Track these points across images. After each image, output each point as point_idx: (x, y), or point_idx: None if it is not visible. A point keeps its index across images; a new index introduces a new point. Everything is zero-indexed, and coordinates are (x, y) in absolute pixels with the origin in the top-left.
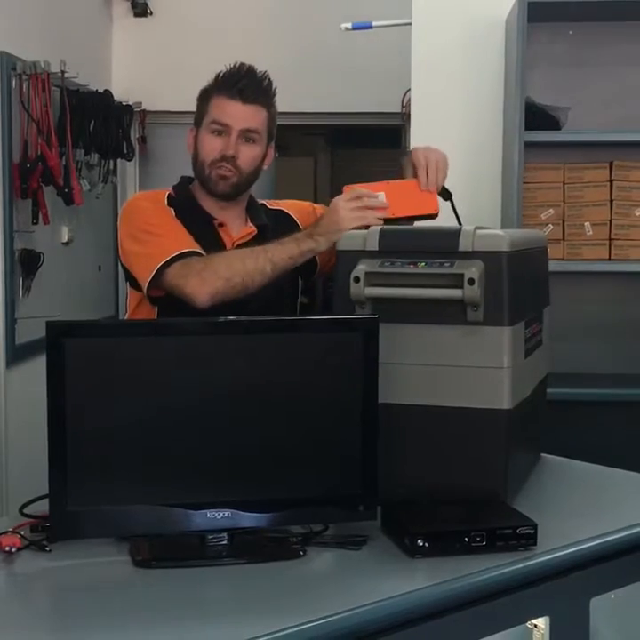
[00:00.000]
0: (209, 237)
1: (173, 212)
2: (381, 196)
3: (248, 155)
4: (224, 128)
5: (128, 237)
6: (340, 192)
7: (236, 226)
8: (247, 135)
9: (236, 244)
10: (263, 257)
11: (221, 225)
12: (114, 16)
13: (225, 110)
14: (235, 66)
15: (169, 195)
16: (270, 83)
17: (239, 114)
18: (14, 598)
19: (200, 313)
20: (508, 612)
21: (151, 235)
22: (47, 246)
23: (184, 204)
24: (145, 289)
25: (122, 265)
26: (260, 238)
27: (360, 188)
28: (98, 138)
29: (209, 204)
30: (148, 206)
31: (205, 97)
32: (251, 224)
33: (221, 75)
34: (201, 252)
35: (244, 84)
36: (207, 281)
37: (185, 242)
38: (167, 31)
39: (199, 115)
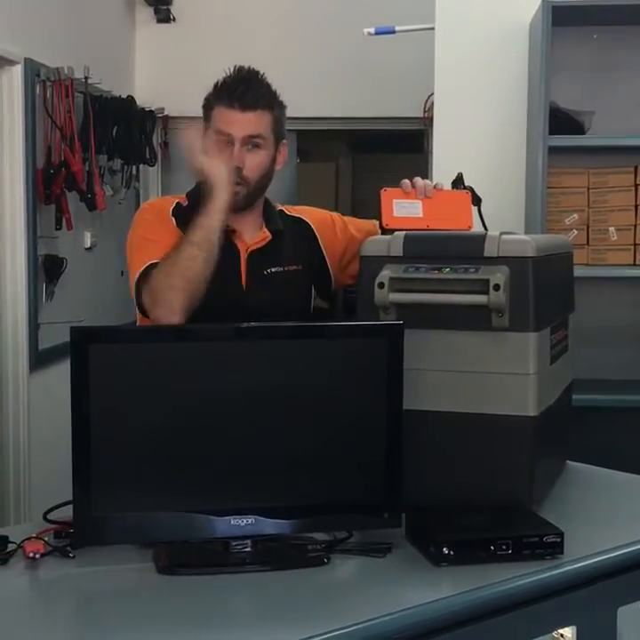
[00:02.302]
0: (222, 245)
1: (174, 221)
2: (418, 205)
3: (254, 162)
4: (227, 137)
5: (128, 248)
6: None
7: (249, 231)
8: (252, 141)
9: (250, 250)
10: (184, 245)
11: (234, 231)
12: (137, 22)
13: (226, 119)
14: (232, 72)
15: (177, 203)
16: (268, 84)
17: (240, 122)
18: (38, 604)
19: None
20: (533, 621)
21: (138, 249)
22: (70, 251)
23: (194, 212)
24: (136, 305)
25: None
26: (275, 243)
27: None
28: (121, 143)
29: None
30: (149, 219)
31: (208, 106)
32: (265, 229)
33: (219, 83)
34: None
35: (242, 90)
36: (159, 302)
37: (158, 254)
38: (190, 37)
39: (204, 124)
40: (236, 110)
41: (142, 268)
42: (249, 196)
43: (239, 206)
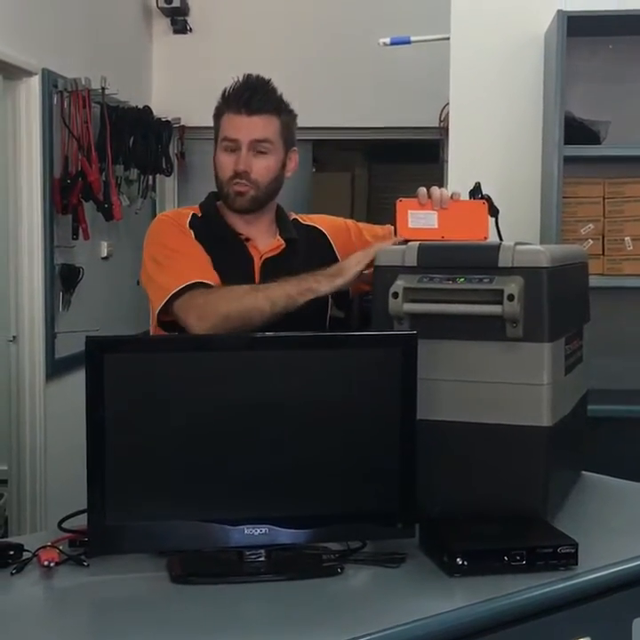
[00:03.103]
0: (237, 253)
1: (193, 233)
2: (433, 216)
3: (261, 167)
4: (234, 143)
5: (148, 259)
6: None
7: (263, 239)
8: (258, 147)
9: (264, 258)
10: (262, 295)
11: (248, 239)
12: (154, 33)
13: (233, 125)
14: (239, 79)
15: (193, 214)
16: (275, 90)
17: (246, 126)
18: (52, 612)
19: None
20: (548, 632)
21: (168, 260)
22: (87, 261)
23: (209, 222)
24: (155, 314)
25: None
26: (289, 252)
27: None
28: (137, 153)
29: (234, 220)
30: (169, 229)
31: (217, 115)
32: (279, 237)
33: (227, 91)
34: (209, 283)
35: (248, 95)
36: (206, 317)
37: (197, 270)
38: (206, 48)
39: (215, 134)
40: (243, 115)
41: (187, 283)
42: (257, 200)
43: (245, 207)
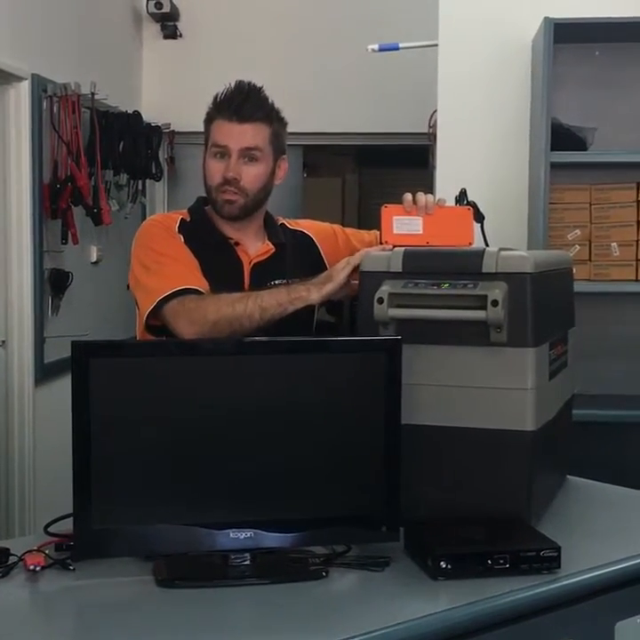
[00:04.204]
0: (226, 257)
1: (182, 238)
2: (418, 221)
3: (251, 174)
4: (224, 150)
5: (137, 264)
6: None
7: (252, 244)
8: (248, 154)
9: (253, 263)
10: (253, 302)
11: (237, 244)
12: (144, 38)
13: (223, 131)
14: (231, 86)
15: (182, 219)
16: (266, 98)
17: (237, 133)
18: (38, 616)
19: None
20: (531, 635)
21: (157, 264)
22: (76, 266)
23: (198, 227)
24: (144, 319)
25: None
26: (278, 256)
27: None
28: (127, 158)
29: (223, 225)
30: (158, 233)
31: (208, 120)
32: (268, 242)
33: (218, 97)
34: (199, 289)
35: (240, 102)
36: (195, 322)
37: (186, 274)
38: (196, 53)
39: (205, 139)
40: (234, 122)
41: (177, 288)
42: (246, 207)
43: (234, 215)
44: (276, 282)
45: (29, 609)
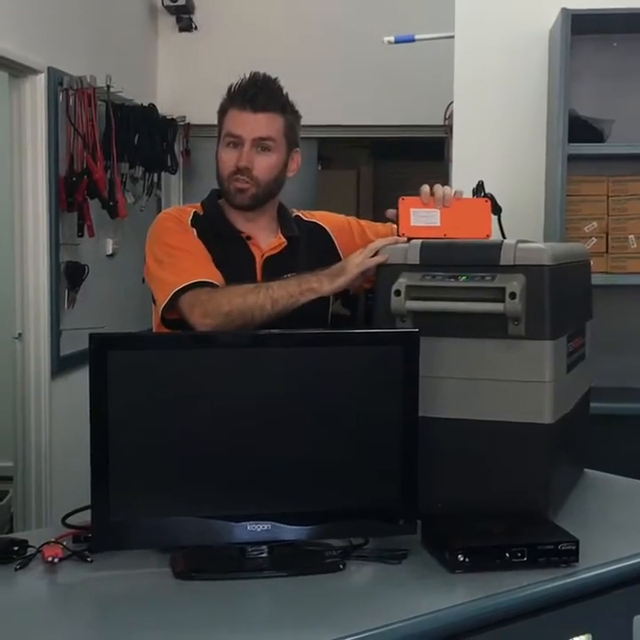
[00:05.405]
0: (238, 251)
1: (195, 232)
2: (435, 214)
3: (263, 164)
4: (237, 139)
5: (151, 258)
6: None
7: (264, 238)
8: (261, 144)
9: (265, 257)
10: (264, 294)
11: (249, 238)
12: (159, 31)
13: (236, 121)
14: (245, 77)
15: (195, 212)
16: (280, 89)
17: (250, 123)
18: (56, 608)
19: None
20: (548, 629)
21: (171, 258)
22: (92, 258)
23: (211, 221)
24: (160, 311)
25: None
26: (290, 250)
27: (382, 241)
28: (142, 151)
29: (236, 217)
30: (172, 227)
31: (222, 111)
32: (280, 235)
33: (233, 87)
34: (213, 282)
35: (254, 92)
36: (209, 314)
37: (200, 267)
38: (211, 46)
39: (218, 130)
40: (248, 112)
41: (191, 281)
42: (257, 197)
43: (245, 205)
44: (289, 276)
45: (47, 600)
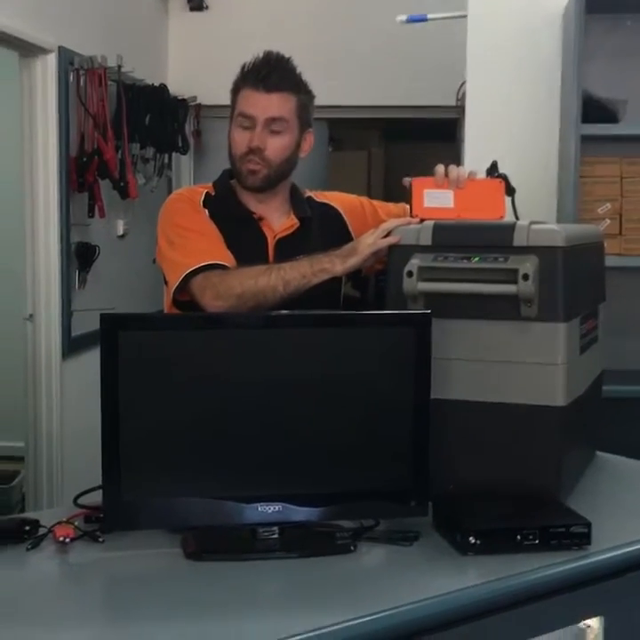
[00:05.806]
0: (250, 233)
1: (207, 213)
2: (449, 195)
3: (276, 145)
4: (250, 119)
5: (162, 239)
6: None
7: (276, 219)
8: (274, 125)
9: (277, 238)
10: (276, 275)
11: (261, 219)
12: (170, 10)
13: (249, 101)
14: (258, 56)
15: (206, 193)
16: (294, 68)
17: (263, 103)
18: (67, 587)
19: None
20: (560, 611)
21: (183, 239)
22: (103, 239)
23: (223, 201)
24: (171, 293)
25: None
26: (303, 231)
27: (397, 221)
28: (153, 132)
29: (247, 198)
30: (183, 208)
31: (235, 90)
32: (293, 216)
33: (246, 66)
34: (225, 264)
35: (267, 72)
36: (221, 296)
37: (211, 249)
38: (222, 25)
39: (231, 108)
40: (260, 91)
41: (203, 263)
42: (269, 178)
43: (257, 186)
44: (301, 257)
45: (59, 580)
